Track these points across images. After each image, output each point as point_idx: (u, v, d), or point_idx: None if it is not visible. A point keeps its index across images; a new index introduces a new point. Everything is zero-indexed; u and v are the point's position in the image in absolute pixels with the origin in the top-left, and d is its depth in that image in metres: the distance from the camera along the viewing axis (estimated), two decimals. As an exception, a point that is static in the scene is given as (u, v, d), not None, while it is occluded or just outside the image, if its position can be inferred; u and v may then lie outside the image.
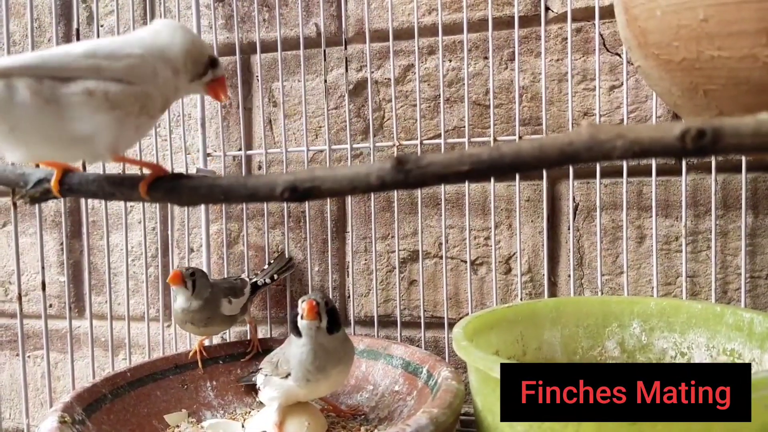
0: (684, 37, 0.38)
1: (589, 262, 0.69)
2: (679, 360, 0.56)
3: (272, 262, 0.76)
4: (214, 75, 0.39)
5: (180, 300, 0.65)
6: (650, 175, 0.64)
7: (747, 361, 0.51)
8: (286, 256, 0.76)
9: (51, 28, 0.83)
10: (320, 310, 0.55)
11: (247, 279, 0.72)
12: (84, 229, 0.80)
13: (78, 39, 0.75)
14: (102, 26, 0.82)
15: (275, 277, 0.74)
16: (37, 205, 0.60)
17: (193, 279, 0.64)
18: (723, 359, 0.53)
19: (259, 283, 0.72)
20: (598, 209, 0.66)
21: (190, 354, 0.67)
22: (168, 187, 0.33)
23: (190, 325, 0.66)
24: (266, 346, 0.70)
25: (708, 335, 0.55)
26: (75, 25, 0.72)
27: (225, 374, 0.68)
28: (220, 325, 0.67)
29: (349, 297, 0.77)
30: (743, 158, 0.61)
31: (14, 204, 0.60)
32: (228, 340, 0.77)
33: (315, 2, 0.75)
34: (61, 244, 0.85)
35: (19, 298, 0.58)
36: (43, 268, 0.62)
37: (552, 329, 0.59)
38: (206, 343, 0.70)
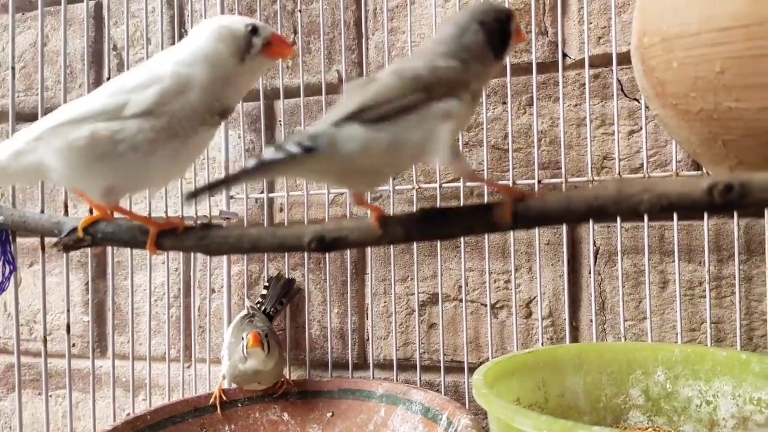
0: (701, 88, 0.38)
1: (612, 306, 0.68)
2: (705, 409, 0.55)
3: (267, 285, 0.75)
4: (264, 39, 0.38)
5: (252, 362, 0.64)
6: (672, 219, 0.64)
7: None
8: (285, 278, 0.75)
9: (82, 74, 0.86)
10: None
11: (257, 309, 0.71)
12: (109, 270, 0.81)
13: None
14: (131, 73, 0.85)
15: (283, 301, 0.73)
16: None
17: (267, 340, 0.64)
18: (749, 409, 0.52)
19: (271, 313, 0.72)
20: (619, 253, 0.65)
21: (212, 400, 0.67)
22: (198, 237, 0.34)
23: (256, 384, 0.67)
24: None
25: (734, 383, 0.53)
26: (106, 73, 0.75)
27: (243, 418, 0.68)
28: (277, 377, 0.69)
29: (368, 340, 0.76)
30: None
31: (42, 245, 0.62)
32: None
33: (337, 50, 0.77)
34: (86, 284, 0.87)
35: (45, 340, 0.59)
36: (68, 310, 0.63)
37: (575, 376, 0.58)
38: (225, 386, 0.70)
